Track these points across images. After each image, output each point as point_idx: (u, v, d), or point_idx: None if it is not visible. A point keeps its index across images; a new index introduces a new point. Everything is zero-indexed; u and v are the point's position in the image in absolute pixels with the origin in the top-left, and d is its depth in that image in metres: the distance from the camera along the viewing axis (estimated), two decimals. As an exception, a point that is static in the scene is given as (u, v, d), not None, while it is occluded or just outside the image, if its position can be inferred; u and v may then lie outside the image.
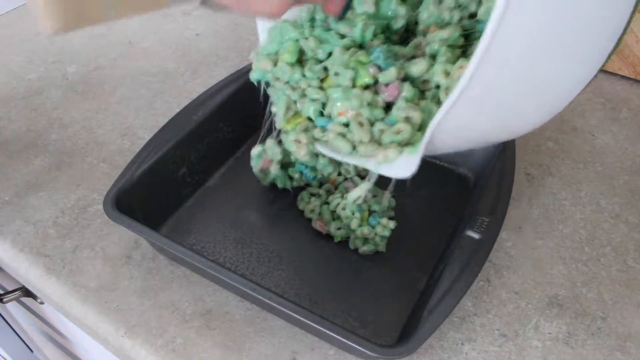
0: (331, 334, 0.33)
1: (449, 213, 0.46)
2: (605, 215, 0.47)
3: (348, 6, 0.29)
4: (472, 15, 0.35)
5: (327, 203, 0.45)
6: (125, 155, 0.51)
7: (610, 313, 0.40)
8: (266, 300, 0.34)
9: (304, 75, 0.36)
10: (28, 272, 0.43)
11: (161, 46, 0.67)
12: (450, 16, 0.34)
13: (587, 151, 0.53)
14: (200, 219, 0.46)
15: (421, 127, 0.32)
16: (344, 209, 0.44)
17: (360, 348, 0.32)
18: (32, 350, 0.86)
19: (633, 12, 0.28)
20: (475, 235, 0.38)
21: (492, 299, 0.40)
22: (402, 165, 0.31)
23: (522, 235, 0.45)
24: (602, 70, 0.62)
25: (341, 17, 0.28)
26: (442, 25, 0.34)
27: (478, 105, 0.27)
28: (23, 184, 0.49)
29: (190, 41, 0.68)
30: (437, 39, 0.33)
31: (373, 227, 0.43)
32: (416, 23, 0.36)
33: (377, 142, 0.33)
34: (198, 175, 0.48)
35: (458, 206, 0.46)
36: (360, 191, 0.41)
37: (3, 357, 0.84)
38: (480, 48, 0.23)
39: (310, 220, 0.45)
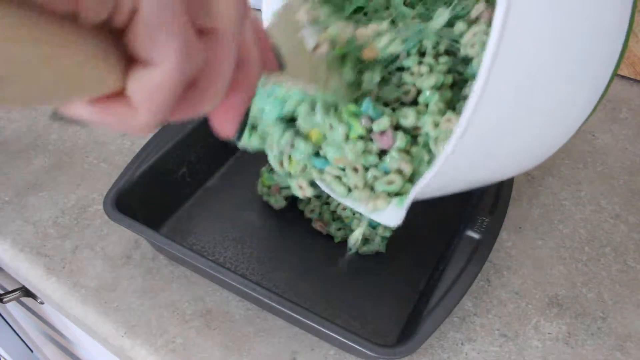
0: (331, 334, 0.33)
1: (448, 213, 0.46)
2: (605, 215, 0.47)
3: (244, 126, 0.26)
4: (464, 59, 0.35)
5: (328, 203, 0.45)
6: (125, 155, 0.51)
7: (610, 313, 0.40)
8: (266, 300, 0.35)
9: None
10: (28, 272, 0.43)
11: (161, 46, 0.67)
12: (437, 63, 0.35)
13: (587, 151, 0.53)
14: (200, 219, 0.46)
15: (412, 177, 0.33)
16: (344, 209, 0.44)
17: (360, 348, 0.32)
18: (32, 350, 0.86)
19: (627, 39, 0.28)
20: (475, 235, 0.38)
21: (492, 299, 0.40)
22: (391, 215, 0.32)
23: (522, 235, 0.45)
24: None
25: (238, 137, 0.25)
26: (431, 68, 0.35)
27: (462, 169, 0.28)
28: (23, 184, 0.49)
29: (190, 41, 0.68)
30: (426, 87, 0.34)
31: (374, 228, 0.43)
32: (402, 68, 0.36)
33: (370, 186, 0.34)
34: (198, 175, 0.48)
35: (458, 206, 0.46)
36: (359, 234, 0.42)
37: (3, 357, 0.84)
38: (464, 117, 0.23)
39: (310, 220, 0.45)
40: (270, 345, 0.37)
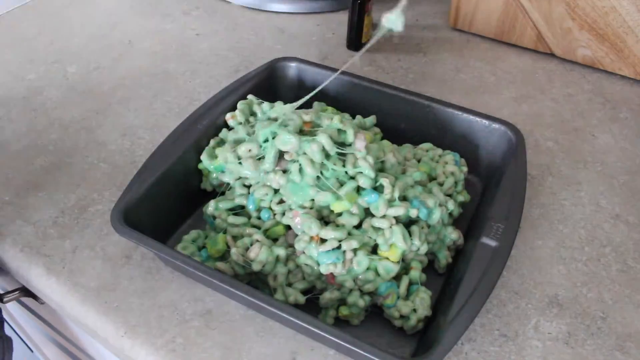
0: (356, 349, 0.32)
1: (460, 220, 0.45)
2: (605, 215, 0.47)
3: None
4: None
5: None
6: (125, 155, 0.51)
7: (610, 313, 0.40)
8: (286, 316, 0.34)
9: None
10: (28, 272, 0.43)
11: (161, 46, 0.67)
12: None
13: (587, 151, 0.53)
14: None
15: None
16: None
17: None
18: (32, 350, 0.86)
19: None
20: (492, 243, 0.38)
21: (491, 299, 0.40)
22: None
23: (522, 235, 0.45)
24: (602, 70, 0.62)
25: None
26: None
27: None
28: (23, 184, 0.49)
29: (190, 41, 0.68)
30: None
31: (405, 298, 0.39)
32: None
33: None
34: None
35: (466, 213, 0.46)
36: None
37: (3, 357, 0.84)
38: None
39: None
40: (270, 345, 0.37)
